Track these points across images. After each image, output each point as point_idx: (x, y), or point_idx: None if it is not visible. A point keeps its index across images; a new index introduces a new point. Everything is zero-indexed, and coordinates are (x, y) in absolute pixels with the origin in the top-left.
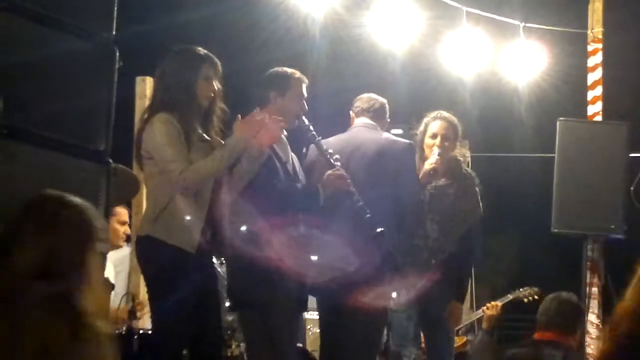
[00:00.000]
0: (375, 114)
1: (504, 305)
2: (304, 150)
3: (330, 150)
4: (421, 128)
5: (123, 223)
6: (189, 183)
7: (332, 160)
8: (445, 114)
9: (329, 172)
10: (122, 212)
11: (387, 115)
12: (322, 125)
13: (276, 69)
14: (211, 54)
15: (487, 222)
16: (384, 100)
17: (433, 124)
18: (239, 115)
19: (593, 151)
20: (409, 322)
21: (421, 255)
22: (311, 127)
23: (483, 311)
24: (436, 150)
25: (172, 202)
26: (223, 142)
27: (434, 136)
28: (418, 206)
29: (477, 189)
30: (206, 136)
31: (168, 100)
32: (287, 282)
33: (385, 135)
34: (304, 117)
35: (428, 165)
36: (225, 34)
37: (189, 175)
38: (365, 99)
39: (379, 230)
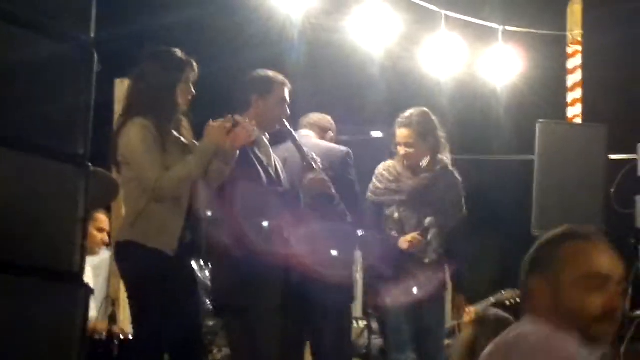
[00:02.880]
0: (313, 127)
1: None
2: (285, 154)
3: (312, 155)
4: (393, 131)
5: (101, 230)
6: (165, 191)
7: (313, 164)
8: (404, 118)
9: (311, 175)
10: (101, 218)
11: (329, 130)
12: (299, 127)
13: (258, 71)
14: (190, 58)
15: (466, 225)
16: (326, 119)
17: (397, 131)
18: (210, 120)
19: (573, 153)
20: (405, 326)
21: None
22: (293, 131)
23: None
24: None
25: (149, 205)
26: (197, 144)
27: (398, 144)
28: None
29: (462, 191)
30: (183, 139)
31: (148, 103)
32: (272, 287)
33: (324, 142)
34: (285, 121)
35: (405, 244)
36: (204, 36)
37: (164, 183)
38: (309, 116)
39: (359, 233)
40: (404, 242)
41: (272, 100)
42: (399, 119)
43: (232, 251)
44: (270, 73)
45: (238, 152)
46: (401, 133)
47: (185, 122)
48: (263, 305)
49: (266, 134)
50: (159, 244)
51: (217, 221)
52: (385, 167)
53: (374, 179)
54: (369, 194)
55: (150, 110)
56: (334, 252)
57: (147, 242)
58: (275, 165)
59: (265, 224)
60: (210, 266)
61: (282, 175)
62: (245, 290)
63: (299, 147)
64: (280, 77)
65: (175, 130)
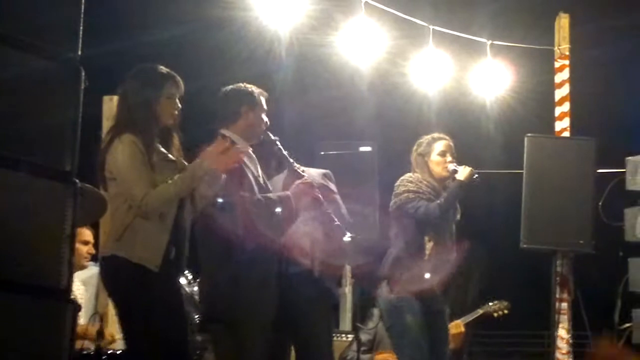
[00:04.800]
0: None
1: (468, 324)
2: (273, 163)
3: (297, 165)
4: (423, 148)
5: (86, 243)
6: (150, 208)
7: (299, 171)
8: (442, 133)
9: (298, 181)
10: (84, 232)
11: None
12: (287, 142)
13: (239, 85)
14: (173, 73)
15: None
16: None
17: (439, 143)
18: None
19: (561, 167)
20: (423, 342)
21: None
22: (277, 142)
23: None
24: (451, 166)
25: (135, 221)
26: (185, 162)
27: (442, 154)
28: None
29: None
30: (171, 156)
31: (131, 120)
32: (267, 302)
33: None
34: (268, 132)
35: (449, 168)
36: (192, 53)
37: (150, 200)
38: None
39: (348, 236)
40: (465, 170)
41: (258, 110)
42: (437, 134)
43: (234, 244)
44: (249, 85)
45: (224, 176)
46: (447, 143)
47: (175, 138)
48: (256, 321)
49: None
50: (144, 259)
51: (225, 207)
52: (419, 178)
53: (408, 185)
54: (412, 195)
55: (135, 127)
56: (348, 238)
57: (131, 257)
58: (262, 175)
59: (278, 209)
60: (199, 280)
61: (269, 185)
62: (240, 305)
63: (283, 156)
64: (258, 88)
65: (164, 146)
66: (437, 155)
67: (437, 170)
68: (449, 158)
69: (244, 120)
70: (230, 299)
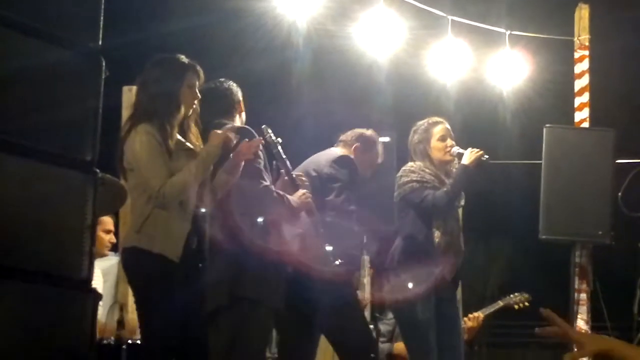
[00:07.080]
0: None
1: (488, 316)
2: (274, 163)
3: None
4: (420, 135)
5: (108, 231)
6: (168, 199)
7: (297, 182)
8: (439, 118)
9: (303, 192)
10: (106, 220)
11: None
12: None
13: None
14: (194, 62)
15: (474, 230)
16: (361, 132)
17: (437, 127)
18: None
19: (580, 158)
20: (432, 334)
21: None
22: (279, 145)
23: (464, 322)
24: (455, 149)
25: (155, 211)
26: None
27: (443, 138)
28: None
29: None
30: (189, 144)
31: (150, 110)
32: (275, 285)
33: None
34: (270, 131)
35: (453, 152)
36: (210, 43)
37: (167, 190)
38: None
39: (337, 262)
40: (472, 154)
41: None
42: (433, 119)
43: (226, 247)
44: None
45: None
46: (447, 127)
47: (193, 128)
48: (263, 301)
49: None
50: (164, 250)
51: (210, 217)
52: (421, 167)
53: (411, 175)
54: (416, 184)
55: (153, 116)
56: (329, 247)
57: (152, 247)
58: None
59: (260, 219)
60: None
61: None
62: (248, 282)
63: (282, 160)
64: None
65: (182, 136)
66: (437, 140)
67: (439, 156)
68: (449, 142)
69: (239, 110)
70: (239, 276)
